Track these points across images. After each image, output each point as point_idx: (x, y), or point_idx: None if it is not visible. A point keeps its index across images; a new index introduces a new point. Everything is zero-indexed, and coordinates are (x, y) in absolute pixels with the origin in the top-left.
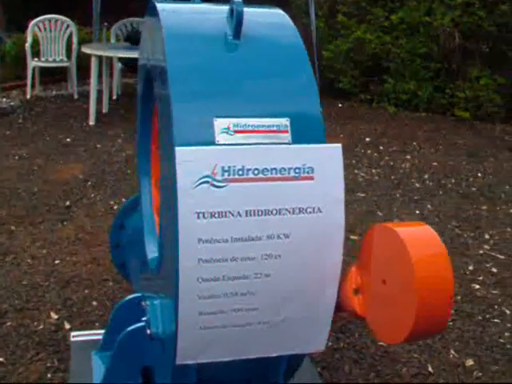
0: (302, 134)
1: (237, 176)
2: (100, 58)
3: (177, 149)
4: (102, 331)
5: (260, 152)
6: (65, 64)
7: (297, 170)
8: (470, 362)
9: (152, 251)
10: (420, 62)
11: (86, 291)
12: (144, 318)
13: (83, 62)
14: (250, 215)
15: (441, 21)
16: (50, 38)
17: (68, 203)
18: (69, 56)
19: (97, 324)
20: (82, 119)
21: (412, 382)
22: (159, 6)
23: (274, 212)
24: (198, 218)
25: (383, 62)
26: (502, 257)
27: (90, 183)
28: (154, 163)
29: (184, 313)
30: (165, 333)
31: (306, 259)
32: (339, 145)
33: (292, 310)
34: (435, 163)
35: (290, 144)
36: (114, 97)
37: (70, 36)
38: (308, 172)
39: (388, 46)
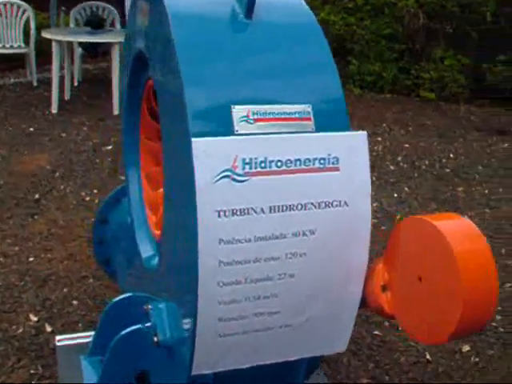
0: (325, 121)
1: (259, 169)
2: (61, 43)
3: (193, 140)
4: (89, 333)
5: (283, 142)
6: (23, 50)
7: (321, 161)
8: (466, 348)
9: (146, 250)
10: (385, 43)
11: (65, 290)
12: (148, 324)
13: (41, 48)
14: (274, 211)
15: (405, 1)
16: (6, 23)
17: (37, 196)
18: (26, 42)
19: (80, 325)
20: (44, 107)
21: (412, 370)
22: None
23: (299, 207)
24: (219, 216)
25: (348, 44)
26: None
27: (58, 174)
28: (145, 154)
29: (202, 320)
30: (173, 339)
31: (332, 256)
32: (364, 132)
33: (316, 310)
34: (407, 145)
35: (313, 132)
36: (76, 83)
37: (27, 21)
38: (333, 163)
39: (353, 28)
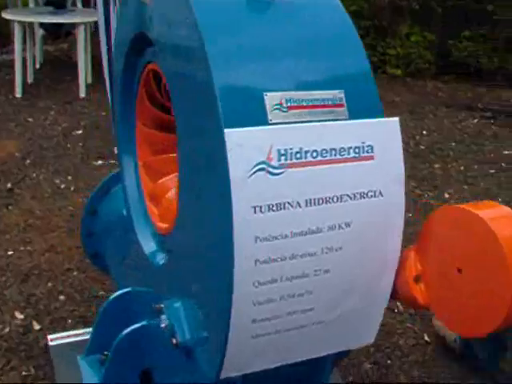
0: (358, 107)
1: (294, 160)
2: (23, 24)
3: (226, 131)
4: (82, 331)
5: (318, 130)
6: None
7: (356, 150)
8: None
9: (149, 244)
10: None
11: (50, 284)
12: (163, 324)
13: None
14: (310, 205)
15: None
16: None
17: (9, 185)
18: None
19: (69, 321)
20: (7, 91)
21: (412, 352)
22: None
23: (335, 199)
24: (255, 212)
25: None
26: None
27: (28, 161)
28: (142, 142)
29: (236, 322)
30: (194, 340)
31: (367, 248)
32: (397, 118)
33: (349, 305)
34: None
35: (347, 120)
36: (37, 66)
37: None
38: (368, 151)
39: None
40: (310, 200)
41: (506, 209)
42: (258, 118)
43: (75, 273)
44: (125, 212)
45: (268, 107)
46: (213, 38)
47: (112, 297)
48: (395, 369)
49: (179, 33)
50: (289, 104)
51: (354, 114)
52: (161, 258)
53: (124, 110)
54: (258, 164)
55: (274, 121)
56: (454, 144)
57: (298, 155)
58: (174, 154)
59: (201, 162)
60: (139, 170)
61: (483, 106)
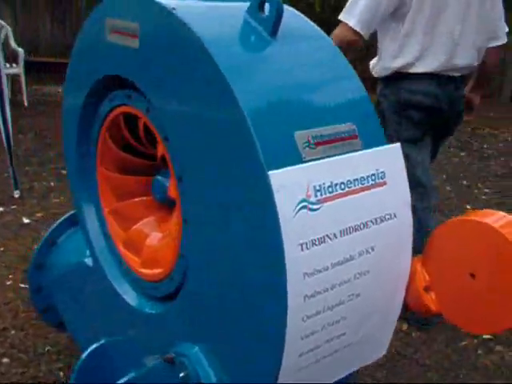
0: (367, 138)
1: (328, 194)
2: None
3: (270, 173)
4: None
5: (343, 163)
6: None
7: (373, 177)
8: None
9: (131, 293)
10: None
11: None
12: (181, 375)
13: None
14: (344, 234)
15: None
16: None
17: None
18: None
19: None
20: None
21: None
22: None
23: (362, 226)
24: (302, 249)
25: None
26: None
27: None
28: (105, 187)
29: (287, 359)
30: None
31: (388, 269)
32: (398, 144)
33: (370, 325)
34: None
35: (361, 149)
36: None
37: None
38: (381, 177)
39: None
40: (344, 230)
41: (505, 215)
42: (293, 157)
43: (12, 331)
44: (90, 263)
45: (299, 145)
46: (237, 80)
47: (86, 354)
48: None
49: (193, 76)
50: (315, 140)
51: (366, 144)
52: (151, 306)
53: (81, 154)
54: (300, 202)
55: (307, 158)
56: None
57: (330, 189)
58: (144, 198)
59: (235, 206)
60: (106, 217)
61: None
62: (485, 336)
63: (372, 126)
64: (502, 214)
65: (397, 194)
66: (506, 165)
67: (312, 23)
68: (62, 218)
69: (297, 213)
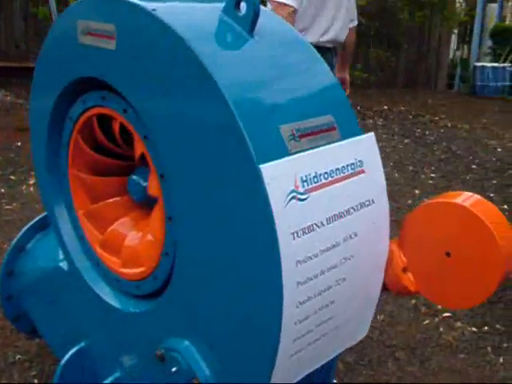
0: (345, 128)
1: (313, 184)
2: None
3: (262, 167)
4: None
5: (325, 154)
6: None
7: (352, 166)
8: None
9: (110, 294)
10: None
11: None
12: (173, 369)
13: None
14: (330, 222)
15: None
16: None
17: None
18: None
19: None
20: None
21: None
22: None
23: (345, 213)
24: (294, 238)
25: None
26: None
27: None
28: (78, 190)
29: (283, 345)
30: (217, 375)
31: (369, 253)
32: (372, 133)
33: (354, 307)
34: None
35: (340, 141)
36: None
37: None
38: (360, 166)
39: None
40: (330, 217)
41: (472, 194)
42: (281, 150)
43: None
44: (65, 266)
45: (285, 138)
46: (222, 77)
47: (65, 359)
48: None
49: (176, 74)
50: (299, 133)
51: (344, 135)
52: (133, 305)
53: (53, 157)
54: (290, 193)
55: (293, 151)
56: None
57: (315, 179)
58: (118, 198)
59: (225, 200)
60: (80, 220)
61: None
62: (444, 314)
63: (347, 117)
64: (468, 193)
65: (374, 181)
66: (448, 150)
67: (283, 21)
68: (30, 224)
69: (287, 203)
